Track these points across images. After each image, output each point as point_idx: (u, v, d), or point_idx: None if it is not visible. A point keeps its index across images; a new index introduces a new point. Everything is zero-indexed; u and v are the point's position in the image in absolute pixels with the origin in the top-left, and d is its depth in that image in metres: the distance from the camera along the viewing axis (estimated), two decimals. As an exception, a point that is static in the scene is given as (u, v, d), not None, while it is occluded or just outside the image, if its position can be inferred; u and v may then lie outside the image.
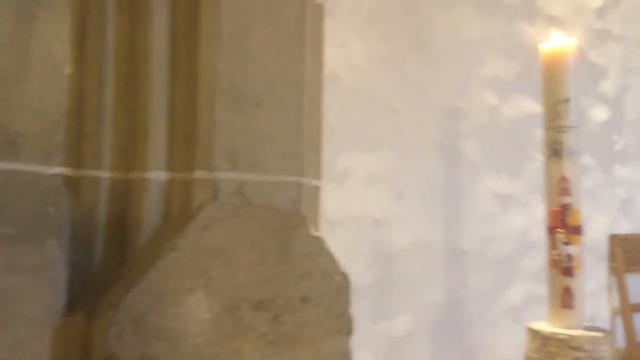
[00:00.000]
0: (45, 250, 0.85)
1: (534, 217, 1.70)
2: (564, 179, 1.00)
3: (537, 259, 1.69)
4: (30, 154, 0.90)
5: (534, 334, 1.00)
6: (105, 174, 0.92)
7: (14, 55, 0.89)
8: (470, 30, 1.60)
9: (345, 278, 1.02)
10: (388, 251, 1.37)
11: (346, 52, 1.30)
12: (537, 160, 1.70)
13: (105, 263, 0.91)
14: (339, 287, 1.02)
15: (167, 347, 0.84)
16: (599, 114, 2.01)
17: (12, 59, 0.89)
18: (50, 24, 0.91)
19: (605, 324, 1.92)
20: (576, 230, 1.00)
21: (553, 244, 1.01)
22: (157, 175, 0.92)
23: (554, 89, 1.03)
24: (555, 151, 1.01)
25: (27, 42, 0.90)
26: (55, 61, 0.91)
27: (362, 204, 1.33)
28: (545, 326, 1.01)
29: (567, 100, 1.02)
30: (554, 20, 1.86)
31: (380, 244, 1.35)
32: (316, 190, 1.08)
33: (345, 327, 1.02)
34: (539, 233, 1.67)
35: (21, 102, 0.89)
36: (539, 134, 1.67)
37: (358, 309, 1.05)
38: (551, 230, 1.02)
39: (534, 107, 1.71)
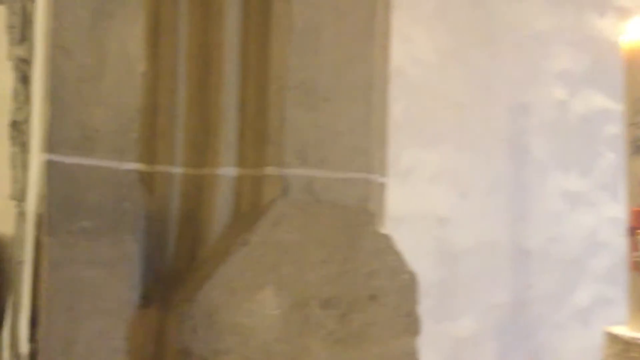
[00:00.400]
0: (122, 244, 0.87)
1: (603, 216, 1.64)
2: (646, 177, 0.95)
3: (606, 260, 1.62)
4: (106, 150, 0.92)
5: (613, 338, 0.96)
6: (177, 170, 0.93)
7: (90, 53, 0.91)
8: (538, 23, 1.55)
9: (412, 277, 1.01)
10: (452, 250, 1.34)
11: (412, 46, 1.27)
12: (608, 157, 1.64)
13: (178, 257, 0.92)
14: (406, 285, 1.00)
15: (239, 342, 0.85)
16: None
17: (89, 57, 0.91)
18: (125, 21, 0.92)
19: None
20: (659, 232, 0.96)
21: (634, 246, 0.97)
22: (227, 171, 0.92)
23: (636, 84, 0.98)
24: (637, 148, 0.96)
25: (102, 40, 0.91)
26: (130, 59, 0.93)
27: (426, 201, 1.30)
28: (624, 331, 0.96)
29: (649, 95, 0.97)
30: (625, 12, 1.78)
31: (444, 242, 1.33)
32: (382, 187, 1.06)
33: (412, 326, 1.01)
34: (609, 233, 1.61)
35: (97, 99, 0.91)
36: (609, 130, 1.60)
37: (421, 308, 1.03)
38: (632, 231, 0.97)
39: (605, 102, 1.64)
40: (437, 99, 1.32)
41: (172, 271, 0.92)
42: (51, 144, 0.89)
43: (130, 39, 0.92)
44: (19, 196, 1.65)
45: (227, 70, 0.93)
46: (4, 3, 2.02)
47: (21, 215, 1.64)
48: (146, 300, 0.88)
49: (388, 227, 1.07)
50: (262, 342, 0.86)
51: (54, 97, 0.89)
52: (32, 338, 0.97)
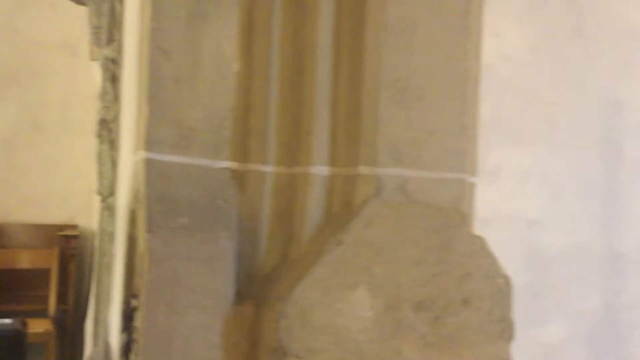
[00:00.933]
0: (217, 241, 0.88)
1: (702, 220, 1.54)
2: None
3: None
4: (200, 148, 0.93)
5: None
6: (269, 169, 0.93)
7: (187, 54, 0.93)
8: (633, 17, 1.47)
9: (507, 281, 0.97)
10: (541, 253, 1.29)
11: (501, 41, 1.24)
12: None
13: (269, 255, 0.93)
14: (500, 290, 0.97)
15: (332, 342, 0.84)
16: None
17: (186, 57, 0.92)
18: (220, 22, 0.93)
19: None
20: None
21: None
22: (319, 170, 0.92)
23: None
24: None
25: (198, 41, 0.93)
26: (225, 59, 0.94)
27: (514, 202, 1.26)
28: None
29: None
30: None
31: (533, 245, 1.28)
32: (472, 187, 1.03)
33: (506, 332, 0.97)
34: None
35: (193, 98, 0.93)
36: None
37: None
38: None
39: None
40: (527, 96, 1.27)
41: (264, 269, 0.93)
42: (149, 142, 0.91)
43: (224, 39, 0.94)
44: (107, 192, 1.71)
45: (319, 69, 0.92)
46: (88, 5, 2.10)
47: (108, 210, 1.70)
48: (240, 297, 0.89)
49: (475, 229, 1.04)
50: (354, 343, 0.86)
51: (152, 97, 0.91)
52: (125, 329, 1.00)
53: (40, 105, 3.20)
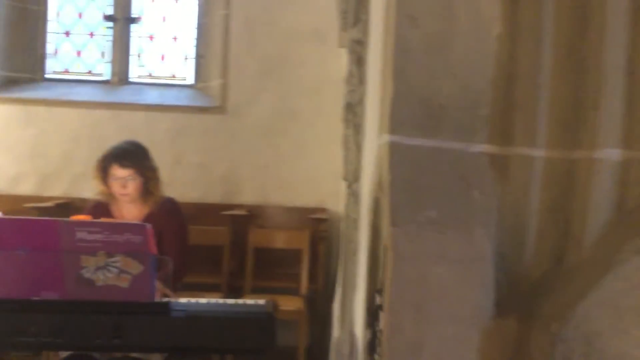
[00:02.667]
0: (473, 240, 0.74)
1: None
2: None
3: None
4: (452, 130, 0.80)
5: None
6: (539, 153, 0.76)
7: (438, 18, 0.80)
8: None
9: None
10: None
11: None
12: None
13: (538, 260, 0.76)
14: None
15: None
16: None
17: (436, 23, 0.80)
18: (478, -22, 0.78)
19: None
20: None
21: None
22: (609, 154, 0.72)
23: None
24: None
25: (451, 3, 0.79)
26: (482, 21, 0.79)
27: None
28: None
29: None
30: None
31: None
32: None
33: None
34: None
35: (445, 71, 0.80)
36: None
37: None
38: None
39: None
40: None
41: (531, 275, 0.76)
42: (393, 124, 0.81)
43: (483, -3, 0.78)
44: (352, 177, 1.68)
45: (610, 26, 0.72)
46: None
47: (353, 196, 1.67)
48: (501, 308, 0.74)
49: None
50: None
51: (398, 71, 0.81)
52: (370, 326, 0.92)
53: (295, 94, 3.37)
